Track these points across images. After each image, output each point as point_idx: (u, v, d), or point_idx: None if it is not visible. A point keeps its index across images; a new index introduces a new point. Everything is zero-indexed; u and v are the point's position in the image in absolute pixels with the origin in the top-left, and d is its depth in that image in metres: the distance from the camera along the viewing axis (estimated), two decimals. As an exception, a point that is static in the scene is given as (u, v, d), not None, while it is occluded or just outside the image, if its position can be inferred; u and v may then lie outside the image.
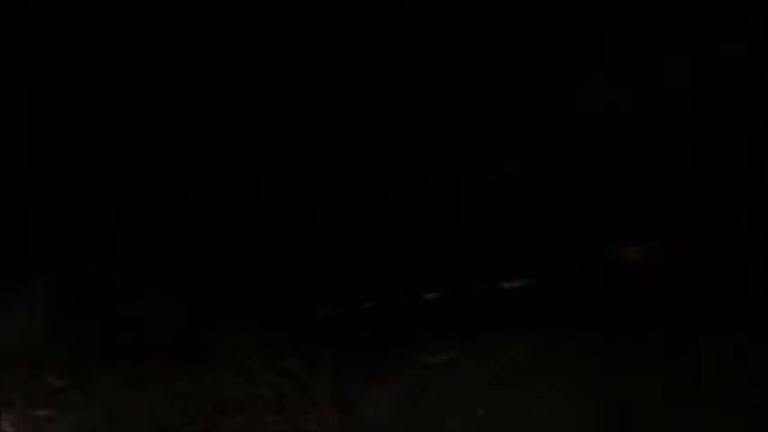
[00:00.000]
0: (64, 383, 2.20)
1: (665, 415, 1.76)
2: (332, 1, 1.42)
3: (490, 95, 1.71)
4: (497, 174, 1.89)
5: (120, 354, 2.26)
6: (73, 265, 2.28)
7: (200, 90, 1.69)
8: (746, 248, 1.58)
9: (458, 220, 2.01)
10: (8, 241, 2.22)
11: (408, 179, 1.99)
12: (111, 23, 1.45)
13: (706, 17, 1.46)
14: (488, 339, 2.12)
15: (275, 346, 2.40)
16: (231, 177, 2.10)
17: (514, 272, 2.03)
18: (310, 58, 1.58)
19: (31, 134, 1.83)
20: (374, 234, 2.13)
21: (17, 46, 1.50)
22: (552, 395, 1.98)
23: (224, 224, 2.32)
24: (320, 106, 1.75)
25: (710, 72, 1.54)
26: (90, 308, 2.26)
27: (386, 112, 1.78)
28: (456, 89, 1.69)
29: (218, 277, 2.38)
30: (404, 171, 1.96)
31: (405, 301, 2.24)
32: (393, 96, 1.72)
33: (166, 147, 1.92)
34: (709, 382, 1.70)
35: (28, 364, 2.18)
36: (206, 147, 1.95)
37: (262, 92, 1.71)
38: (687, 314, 1.74)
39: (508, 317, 2.07)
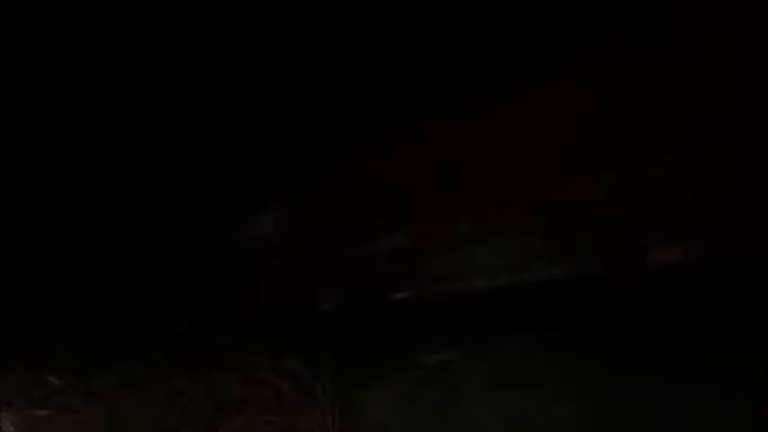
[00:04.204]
0: (64, 383, 2.21)
1: (666, 416, 1.74)
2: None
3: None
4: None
5: (120, 354, 2.27)
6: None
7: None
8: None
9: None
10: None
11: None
12: None
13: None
14: (489, 339, 2.10)
15: (275, 346, 2.39)
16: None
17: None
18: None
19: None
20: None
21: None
22: (553, 395, 1.96)
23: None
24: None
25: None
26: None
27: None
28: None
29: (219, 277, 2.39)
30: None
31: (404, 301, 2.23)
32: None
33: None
34: (711, 383, 1.68)
35: (28, 364, 2.19)
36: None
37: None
38: (687, 315, 1.72)
39: (509, 317, 2.05)
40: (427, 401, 2.19)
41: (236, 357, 2.36)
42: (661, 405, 1.74)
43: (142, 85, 1.86)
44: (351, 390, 2.35)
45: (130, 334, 2.30)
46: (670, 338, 1.74)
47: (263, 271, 2.31)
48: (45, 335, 2.24)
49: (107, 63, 1.78)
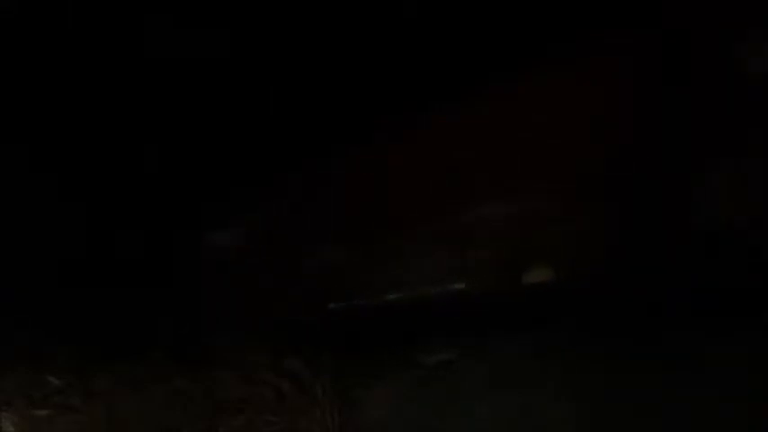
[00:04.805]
0: (64, 383, 2.21)
1: (666, 416, 1.74)
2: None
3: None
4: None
5: (120, 354, 2.27)
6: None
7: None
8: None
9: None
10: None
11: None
12: None
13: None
14: (489, 339, 2.10)
15: (275, 346, 2.39)
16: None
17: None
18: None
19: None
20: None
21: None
22: (553, 395, 1.96)
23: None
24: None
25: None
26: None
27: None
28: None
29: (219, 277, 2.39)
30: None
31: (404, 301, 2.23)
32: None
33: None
34: (711, 383, 1.68)
35: (28, 364, 2.19)
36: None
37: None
38: (688, 315, 1.72)
39: (509, 317, 2.05)
40: (427, 401, 2.19)
41: (236, 357, 2.36)
42: (661, 405, 1.74)
43: (139, 87, 1.86)
44: (351, 390, 2.35)
45: (130, 334, 2.30)
46: (670, 338, 1.74)
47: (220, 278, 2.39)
48: (45, 335, 2.24)
49: (106, 62, 1.78)
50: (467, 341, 2.13)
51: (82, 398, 2.21)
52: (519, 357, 2.03)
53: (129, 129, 2.09)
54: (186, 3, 1.60)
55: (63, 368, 2.22)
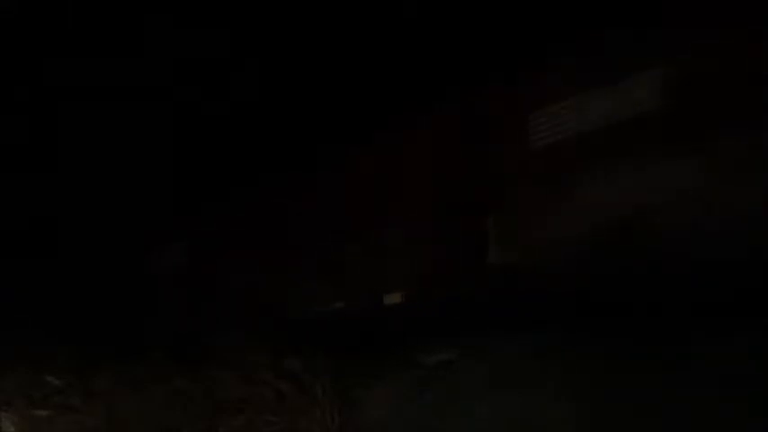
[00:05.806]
0: (64, 383, 2.21)
1: (666, 416, 1.74)
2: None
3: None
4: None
5: (120, 354, 2.26)
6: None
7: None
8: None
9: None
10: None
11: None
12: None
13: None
14: (488, 339, 2.10)
15: (275, 346, 2.39)
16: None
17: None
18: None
19: None
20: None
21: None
22: (553, 395, 1.96)
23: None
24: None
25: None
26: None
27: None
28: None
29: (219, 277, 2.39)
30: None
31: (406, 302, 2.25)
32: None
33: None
34: (711, 383, 1.68)
35: (28, 364, 2.19)
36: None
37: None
38: (687, 315, 1.72)
39: (508, 317, 2.05)
40: (427, 401, 2.19)
41: (236, 357, 2.36)
42: (661, 405, 1.74)
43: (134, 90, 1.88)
44: (351, 390, 2.35)
45: (130, 334, 2.30)
46: (670, 338, 1.74)
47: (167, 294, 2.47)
48: (45, 335, 2.24)
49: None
50: (467, 341, 2.13)
51: (82, 398, 2.21)
52: (519, 357, 2.03)
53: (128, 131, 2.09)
54: (186, 3, 1.60)
55: (63, 368, 2.23)
